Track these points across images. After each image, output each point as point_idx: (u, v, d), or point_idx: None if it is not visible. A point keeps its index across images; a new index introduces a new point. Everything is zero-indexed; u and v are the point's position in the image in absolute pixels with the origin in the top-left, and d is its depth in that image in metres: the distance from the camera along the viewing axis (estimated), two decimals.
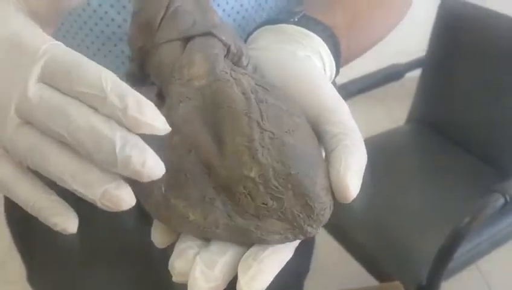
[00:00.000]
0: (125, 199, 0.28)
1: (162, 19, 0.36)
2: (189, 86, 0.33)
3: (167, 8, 0.36)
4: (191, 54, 0.34)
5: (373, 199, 1.44)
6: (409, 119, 1.77)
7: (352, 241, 1.44)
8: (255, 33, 0.43)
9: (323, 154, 0.35)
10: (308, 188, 0.32)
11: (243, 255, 0.32)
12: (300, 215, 0.32)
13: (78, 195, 0.29)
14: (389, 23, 0.56)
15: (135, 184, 0.32)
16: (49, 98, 0.29)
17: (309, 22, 0.42)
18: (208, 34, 0.36)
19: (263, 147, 0.31)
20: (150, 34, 0.36)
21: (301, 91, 0.36)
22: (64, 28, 0.48)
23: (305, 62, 0.39)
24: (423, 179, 1.54)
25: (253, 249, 0.32)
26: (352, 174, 0.32)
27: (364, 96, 1.62)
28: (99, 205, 0.29)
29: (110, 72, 0.29)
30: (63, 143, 0.29)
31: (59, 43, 0.31)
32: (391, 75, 1.68)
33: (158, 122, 0.28)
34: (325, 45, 0.41)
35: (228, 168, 0.31)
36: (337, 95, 0.36)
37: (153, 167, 0.28)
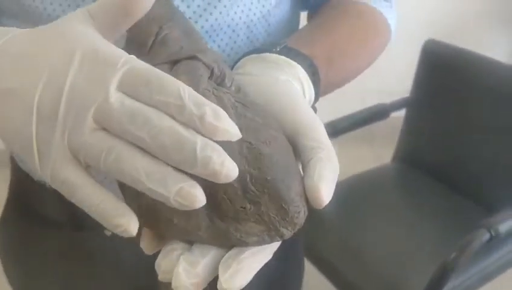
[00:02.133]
0: (199, 197, 0.30)
1: (152, 44, 0.39)
2: None
3: (156, 35, 0.40)
4: (176, 76, 0.36)
5: (361, 236, 1.46)
6: (395, 158, 1.80)
7: (340, 277, 1.44)
8: (242, 60, 0.46)
9: (300, 166, 0.37)
10: (283, 193, 0.34)
11: (223, 257, 0.34)
12: (276, 217, 0.34)
13: (150, 195, 0.31)
14: (367, 56, 0.60)
15: (124, 192, 0.35)
16: (130, 104, 0.31)
17: (290, 52, 0.45)
18: (193, 57, 0.38)
19: (241, 155, 0.34)
20: (141, 58, 0.38)
21: (281, 109, 0.39)
22: None
23: (286, 85, 0.42)
24: (410, 216, 1.56)
25: (232, 251, 0.34)
26: (325, 182, 0.35)
27: (350, 135, 1.65)
28: (171, 202, 0.30)
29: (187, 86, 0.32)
30: (138, 146, 0.31)
31: (134, 56, 0.33)
32: (377, 114, 1.71)
33: (233, 129, 0.31)
34: (304, 72, 0.44)
35: None
36: (314, 115, 0.39)
37: (231, 168, 0.30)
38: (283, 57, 0.44)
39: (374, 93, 1.61)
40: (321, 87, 0.47)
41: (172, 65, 0.38)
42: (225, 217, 0.34)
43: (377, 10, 0.61)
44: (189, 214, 0.34)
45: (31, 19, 0.49)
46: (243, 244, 0.34)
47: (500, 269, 1.46)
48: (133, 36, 0.40)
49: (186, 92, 0.31)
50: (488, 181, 1.56)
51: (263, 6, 0.54)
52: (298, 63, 0.44)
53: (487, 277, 1.43)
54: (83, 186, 0.33)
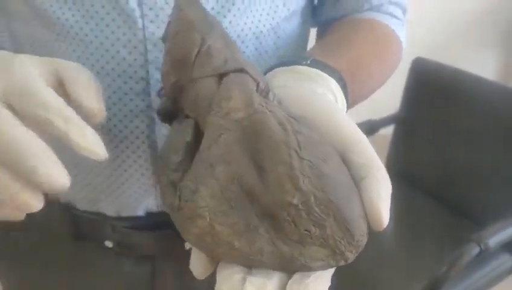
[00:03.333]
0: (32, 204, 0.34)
1: (196, 56, 0.38)
2: (228, 118, 0.35)
3: (200, 46, 0.38)
4: (228, 89, 0.36)
5: None
6: None
7: None
8: (271, 73, 0.45)
9: None
10: (348, 215, 0.33)
11: (286, 282, 0.33)
12: (342, 241, 0.33)
13: None
14: (384, 74, 0.60)
15: (176, 215, 0.34)
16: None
17: (319, 65, 0.44)
18: (241, 70, 0.37)
19: (304, 175, 0.32)
20: (184, 70, 0.38)
21: (324, 124, 0.37)
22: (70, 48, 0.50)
23: (324, 98, 0.40)
24: (399, 231, 1.57)
25: (297, 276, 0.33)
26: (384, 203, 0.34)
27: None
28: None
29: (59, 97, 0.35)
30: None
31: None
32: (366, 130, 1.73)
33: (98, 148, 0.35)
34: (337, 85, 0.43)
35: (271, 196, 0.32)
36: (358, 129, 0.38)
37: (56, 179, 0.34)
38: (315, 69, 0.43)
39: (363, 110, 1.62)
40: (349, 101, 0.46)
41: (219, 78, 0.37)
42: (289, 240, 0.32)
43: (389, 27, 0.61)
44: (253, 238, 0.32)
45: (40, 21, 0.49)
46: (306, 269, 0.33)
47: (490, 283, 1.47)
48: (174, 47, 0.39)
49: (56, 104, 0.34)
50: (477, 195, 1.57)
51: (273, 18, 0.54)
52: (330, 76, 0.43)
53: None
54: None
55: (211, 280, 0.67)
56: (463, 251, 1.21)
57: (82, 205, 0.59)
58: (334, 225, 0.32)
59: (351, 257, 0.33)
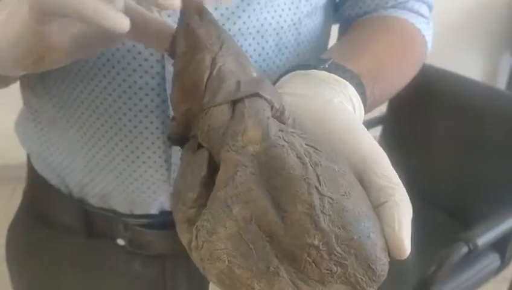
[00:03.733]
0: None
1: (207, 81, 0.36)
2: (244, 153, 0.33)
3: (211, 69, 0.36)
4: (243, 120, 0.34)
5: None
6: None
7: None
8: (287, 76, 0.43)
9: None
10: (371, 252, 0.32)
11: None
12: (363, 278, 0.32)
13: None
14: (407, 74, 0.59)
15: (194, 253, 0.33)
16: None
17: (338, 69, 0.43)
18: (255, 95, 0.36)
19: (324, 213, 0.31)
20: (196, 96, 0.36)
21: (343, 142, 0.36)
22: (96, 68, 0.50)
23: (341, 109, 0.39)
24: None
25: None
26: (406, 231, 0.33)
27: None
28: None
29: None
30: None
31: None
32: None
33: None
34: (355, 91, 0.42)
35: (291, 237, 0.31)
36: (378, 146, 0.37)
37: None
38: (333, 75, 0.42)
39: None
40: (367, 105, 0.45)
41: (232, 104, 0.36)
42: (309, 280, 0.31)
43: (415, 26, 0.60)
44: (273, 280, 0.31)
45: None
46: None
47: (479, 283, 1.48)
48: (184, 72, 0.37)
49: None
50: (465, 196, 1.58)
51: (294, 14, 0.53)
52: (347, 81, 0.42)
53: None
54: None
55: None
56: (452, 251, 1.22)
57: (95, 201, 0.59)
58: (355, 263, 0.32)
59: None
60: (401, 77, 0.57)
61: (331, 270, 0.31)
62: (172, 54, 0.40)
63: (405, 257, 0.33)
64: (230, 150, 0.34)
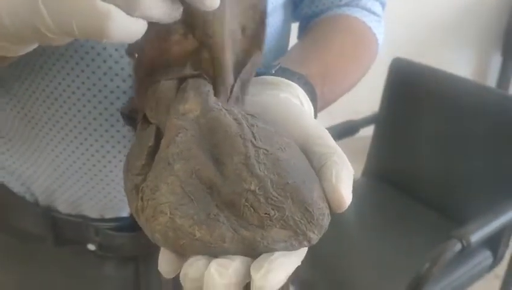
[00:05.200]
0: None
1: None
2: (184, 118, 0.36)
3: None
4: (185, 92, 0.37)
5: (333, 250, 1.47)
6: (365, 173, 1.82)
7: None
8: None
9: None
10: (306, 195, 0.34)
11: (250, 263, 0.33)
12: (302, 221, 0.34)
13: None
14: (358, 73, 0.61)
15: (141, 217, 0.34)
16: None
17: (285, 72, 0.46)
18: (198, 75, 0.38)
19: (259, 162, 0.34)
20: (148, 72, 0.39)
21: (285, 120, 0.39)
22: (59, 64, 0.49)
23: (286, 100, 0.42)
24: (381, 230, 1.58)
25: (262, 256, 0.34)
26: (344, 184, 0.35)
27: None
28: None
29: None
30: None
31: None
32: (346, 130, 1.74)
33: None
34: (302, 90, 0.45)
35: (229, 186, 0.33)
36: (318, 123, 0.39)
37: None
38: (279, 78, 0.45)
39: (343, 111, 1.63)
40: (318, 105, 0.48)
41: (179, 84, 0.38)
42: (250, 225, 0.33)
43: (366, 25, 0.62)
44: (213, 226, 0.33)
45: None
46: (270, 251, 0.34)
47: (472, 280, 1.49)
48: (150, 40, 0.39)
49: None
50: (457, 194, 1.59)
51: None
52: (294, 82, 0.45)
53: (459, 288, 1.45)
54: None
55: None
56: (445, 247, 1.22)
57: (63, 207, 0.58)
58: (292, 206, 0.33)
59: (313, 237, 0.34)
60: (352, 75, 0.60)
61: (269, 214, 0.33)
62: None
63: (342, 209, 0.35)
64: (172, 117, 0.36)
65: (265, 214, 0.33)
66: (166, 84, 0.38)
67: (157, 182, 0.34)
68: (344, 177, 0.35)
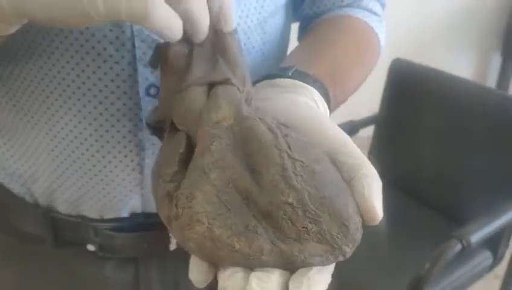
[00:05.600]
0: None
1: (187, 65, 0.39)
2: (218, 127, 0.36)
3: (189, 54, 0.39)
4: (217, 99, 0.37)
5: None
6: None
7: None
8: (255, 87, 0.45)
9: None
10: (342, 209, 0.34)
11: (288, 277, 0.33)
12: (338, 235, 0.33)
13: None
14: (363, 74, 0.61)
15: (174, 224, 0.34)
16: None
17: (301, 75, 0.45)
18: (226, 81, 0.38)
19: (296, 174, 0.33)
20: (170, 74, 0.39)
21: (308, 129, 0.39)
22: (59, 64, 0.49)
23: (306, 106, 0.42)
24: (380, 231, 1.58)
25: (299, 270, 0.34)
26: (376, 197, 0.35)
27: None
28: None
29: None
30: None
31: None
32: (346, 131, 1.71)
33: None
34: (318, 93, 0.45)
35: (266, 196, 0.33)
36: (342, 131, 0.39)
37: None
38: (297, 81, 0.44)
39: (343, 111, 1.64)
40: (331, 107, 0.47)
41: (208, 89, 0.38)
42: (287, 238, 0.33)
43: (368, 25, 0.62)
44: (252, 238, 0.33)
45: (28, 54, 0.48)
46: (307, 265, 0.34)
47: (471, 280, 1.49)
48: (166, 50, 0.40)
49: None
50: (457, 194, 1.59)
51: (259, 13, 0.54)
52: (310, 85, 0.45)
53: (459, 288, 1.45)
54: None
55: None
56: (445, 248, 1.22)
57: (63, 208, 0.58)
58: (329, 220, 0.33)
59: (348, 251, 0.34)
60: (357, 76, 0.60)
61: (306, 228, 0.33)
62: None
63: (376, 222, 0.35)
64: (206, 125, 0.36)
65: (303, 227, 0.33)
66: (195, 91, 0.38)
67: (192, 190, 0.34)
68: (375, 190, 0.35)
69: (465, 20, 2.64)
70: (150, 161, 0.53)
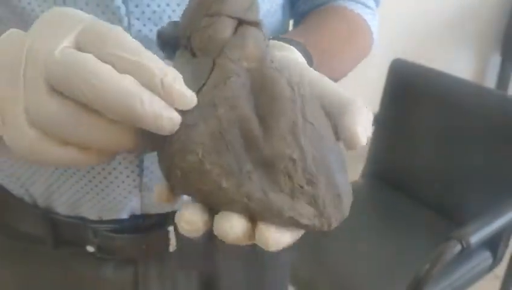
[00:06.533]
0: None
1: None
2: (239, 64, 0.35)
3: None
4: (245, 38, 0.36)
5: (334, 252, 1.47)
6: (364, 175, 1.83)
7: None
8: None
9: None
10: (341, 181, 0.33)
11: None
12: (330, 204, 0.33)
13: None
14: (352, 59, 0.61)
15: (164, 147, 0.33)
16: (72, 54, 0.30)
17: (284, 39, 0.45)
18: (257, 24, 0.37)
19: (305, 134, 0.33)
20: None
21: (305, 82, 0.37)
22: None
23: (290, 56, 0.41)
24: (381, 232, 1.58)
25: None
26: (361, 124, 0.34)
27: None
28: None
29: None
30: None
31: (95, 17, 0.32)
32: None
33: (190, 94, 0.31)
34: (299, 53, 0.44)
35: (271, 146, 0.32)
36: (330, 80, 0.38)
37: (175, 121, 0.31)
38: (279, 42, 0.44)
39: None
40: None
41: (237, 24, 0.37)
42: (280, 192, 0.32)
43: (361, 17, 0.62)
44: (241, 181, 0.32)
45: (18, 21, 0.47)
46: (292, 224, 0.32)
47: (471, 281, 1.49)
48: None
49: (145, 51, 0.30)
50: (456, 194, 1.59)
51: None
52: (293, 46, 0.44)
53: (459, 289, 1.45)
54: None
55: (193, 284, 0.66)
56: (445, 248, 1.22)
57: (62, 209, 0.57)
58: (325, 187, 0.33)
59: (334, 223, 0.33)
60: (348, 61, 0.59)
61: (302, 187, 0.32)
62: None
63: (356, 146, 0.34)
64: (227, 58, 0.35)
65: (299, 185, 0.32)
66: (225, 22, 0.36)
67: (195, 119, 0.33)
68: (360, 118, 0.34)
69: (465, 20, 2.64)
70: (148, 163, 0.53)
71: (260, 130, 0.33)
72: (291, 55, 0.42)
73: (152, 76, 0.30)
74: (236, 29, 0.37)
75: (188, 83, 0.34)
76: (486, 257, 1.50)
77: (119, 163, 0.53)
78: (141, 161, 0.53)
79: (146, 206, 0.56)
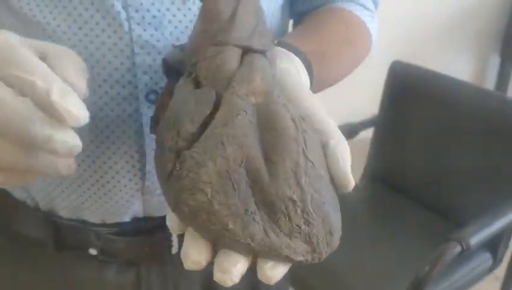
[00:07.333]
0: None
1: (232, 16, 0.38)
2: (247, 100, 0.35)
3: (235, 8, 0.38)
4: (252, 71, 0.36)
5: (334, 254, 1.47)
6: (364, 176, 1.83)
7: None
8: None
9: None
10: (334, 220, 0.35)
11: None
12: (323, 241, 0.35)
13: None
14: (351, 61, 0.61)
15: (172, 182, 0.34)
16: None
17: (286, 46, 0.45)
18: (263, 52, 0.38)
19: (306, 174, 0.34)
20: (213, 21, 0.38)
21: (291, 97, 0.39)
22: None
23: (287, 71, 0.42)
24: (381, 233, 1.58)
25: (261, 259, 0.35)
26: (348, 166, 0.36)
27: None
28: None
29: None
30: None
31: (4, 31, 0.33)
32: (345, 133, 1.72)
33: (79, 111, 0.30)
34: (300, 62, 0.45)
35: (275, 187, 0.33)
36: (317, 101, 0.39)
37: (75, 147, 0.31)
38: (281, 48, 0.44)
39: (343, 113, 1.64)
40: (314, 81, 0.47)
41: (243, 52, 0.37)
42: (279, 232, 0.34)
43: (360, 19, 0.62)
44: (247, 223, 0.33)
45: (20, 25, 0.47)
46: (288, 261, 0.34)
47: (471, 282, 1.50)
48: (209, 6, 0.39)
49: (41, 69, 0.30)
50: (456, 196, 1.60)
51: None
52: (292, 53, 0.45)
53: None
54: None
55: (195, 287, 0.66)
56: (445, 250, 1.23)
57: (65, 213, 0.58)
58: (320, 225, 0.34)
59: (324, 256, 0.35)
60: (346, 62, 0.60)
61: (299, 227, 0.34)
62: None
63: (349, 189, 0.36)
64: (235, 94, 0.35)
65: (297, 225, 0.34)
66: (231, 52, 0.37)
67: (205, 157, 0.33)
68: (347, 160, 0.37)
69: (464, 21, 2.65)
70: (151, 167, 0.53)
71: (265, 170, 0.34)
72: (291, 69, 0.43)
73: (44, 96, 0.30)
74: (242, 57, 0.37)
75: (191, 113, 0.35)
76: (486, 258, 1.51)
77: (122, 167, 0.53)
78: (143, 165, 0.53)
79: (148, 209, 0.57)
